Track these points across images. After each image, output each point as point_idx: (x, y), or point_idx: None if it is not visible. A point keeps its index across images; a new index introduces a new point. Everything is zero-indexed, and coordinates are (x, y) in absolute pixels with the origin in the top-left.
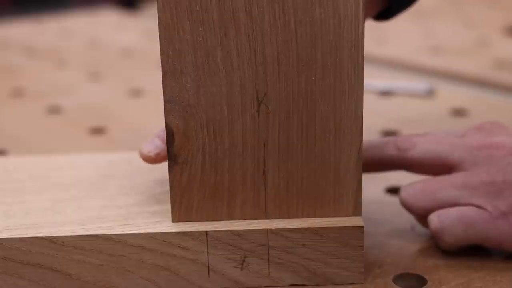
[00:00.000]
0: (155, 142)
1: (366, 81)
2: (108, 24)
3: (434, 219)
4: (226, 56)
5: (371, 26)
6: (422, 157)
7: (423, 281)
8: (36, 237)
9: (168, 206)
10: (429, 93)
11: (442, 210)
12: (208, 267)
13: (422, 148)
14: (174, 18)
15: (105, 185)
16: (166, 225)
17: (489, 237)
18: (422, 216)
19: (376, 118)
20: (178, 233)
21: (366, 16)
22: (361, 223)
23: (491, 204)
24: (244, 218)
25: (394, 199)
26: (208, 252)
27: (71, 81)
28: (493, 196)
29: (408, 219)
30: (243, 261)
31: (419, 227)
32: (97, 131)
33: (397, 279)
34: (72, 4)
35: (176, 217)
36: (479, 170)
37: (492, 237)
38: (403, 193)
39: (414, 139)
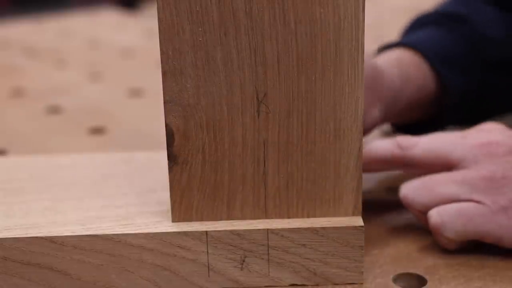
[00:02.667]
0: None
1: None
2: (108, 24)
3: (434, 214)
4: (226, 56)
5: (371, 26)
6: (423, 155)
7: (423, 281)
8: (36, 237)
9: (168, 206)
10: None
11: (441, 206)
12: (208, 267)
13: (423, 147)
14: (174, 18)
15: (105, 185)
16: (166, 225)
17: (489, 232)
18: (422, 212)
19: None
20: (178, 233)
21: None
22: (361, 223)
23: (490, 199)
24: (244, 218)
25: (394, 199)
26: (208, 252)
27: (71, 81)
28: (492, 191)
29: (408, 218)
30: (243, 261)
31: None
32: (97, 131)
33: (397, 279)
34: (72, 4)
35: (176, 217)
36: (479, 166)
37: (491, 232)
38: (403, 189)
39: (415, 138)
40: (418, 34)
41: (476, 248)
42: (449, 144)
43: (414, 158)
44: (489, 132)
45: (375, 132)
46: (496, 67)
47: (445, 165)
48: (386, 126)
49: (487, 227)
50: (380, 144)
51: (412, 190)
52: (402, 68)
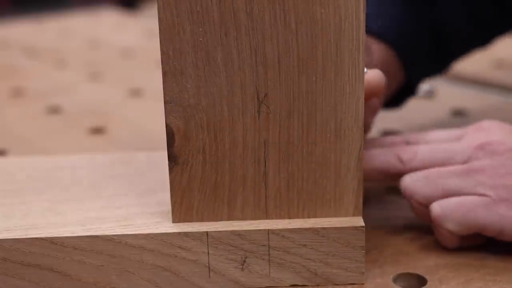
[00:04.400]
0: None
1: None
2: (108, 24)
3: (436, 206)
4: (227, 56)
5: None
6: (424, 165)
7: (423, 281)
8: (36, 238)
9: (169, 207)
10: (429, 94)
11: (443, 200)
12: (209, 267)
13: (422, 157)
14: (174, 19)
15: (105, 186)
16: (167, 226)
17: (491, 223)
18: (422, 204)
19: (376, 118)
20: (178, 233)
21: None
22: (362, 223)
23: (493, 191)
24: (244, 218)
25: (394, 199)
26: (208, 253)
27: (71, 81)
28: (495, 184)
29: (408, 218)
30: (244, 261)
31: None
32: (97, 131)
33: (397, 279)
34: (72, 4)
35: (177, 218)
36: (482, 162)
37: (492, 223)
38: (405, 180)
39: (414, 148)
40: (387, 15)
41: (476, 248)
42: (449, 151)
43: (416, 170)
44: (487, 130)
45: (375, 132)
46: (457, 58)
47: None
48: (386, 126)
49: (488, 218)
50: (380, 155)
51: (414, 182)
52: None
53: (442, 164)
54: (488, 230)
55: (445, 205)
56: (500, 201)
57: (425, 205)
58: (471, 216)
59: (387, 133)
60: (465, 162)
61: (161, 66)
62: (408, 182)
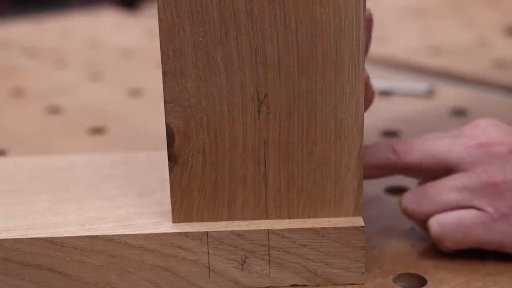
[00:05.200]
0: None
1: None
2: (108, 24)
3: (434, 224)
4: (227, 56)
5: None
6: (419, 161)
7: (423, 281)
8: (36, 238)
9: (169, 207)
10: (429, 93)
11: (441, 215)
12: (209, 267)
13: (419, 150)
14: (174, 19)
15: (105, 186)
16: (167, 226)
17: (490, 240)
18: (423, 221)
19: (376, 118)
20: (178, 233)
21: None
22: (362, 224)
23: (491, 206)
24: (244, 218)
25: (394, 199)
26: (208, 253)
27: (71, 81)
28: (493, 197)
29: (408, 219)
30: (244, 261)
31: (419, 228)
32: (97, 131)
33: (397, 279)
34: (72, 4)
35: (177, 218)
36: (479, 170)
37: (492, 240)
38: (403, 201)
39: (410, 142)
40: None
41: (476, 248)
42: (445, 146)
43: (410, 163)
44: (485, 129)
45: (375, 133)
46: None
47: (442, 169)
48: (386, 126)
49: (488, 236)
50: (376, 150)
51: (412, 201)
52: None
53: (439, 160)
54: (489, 246)
55: (443, 223)
56: (498, 217)
57: (426, 221)
58: (471, 236)
59: (387, 133)
60: (460, 161)
61: (161, 66)
62: (406, 202)
